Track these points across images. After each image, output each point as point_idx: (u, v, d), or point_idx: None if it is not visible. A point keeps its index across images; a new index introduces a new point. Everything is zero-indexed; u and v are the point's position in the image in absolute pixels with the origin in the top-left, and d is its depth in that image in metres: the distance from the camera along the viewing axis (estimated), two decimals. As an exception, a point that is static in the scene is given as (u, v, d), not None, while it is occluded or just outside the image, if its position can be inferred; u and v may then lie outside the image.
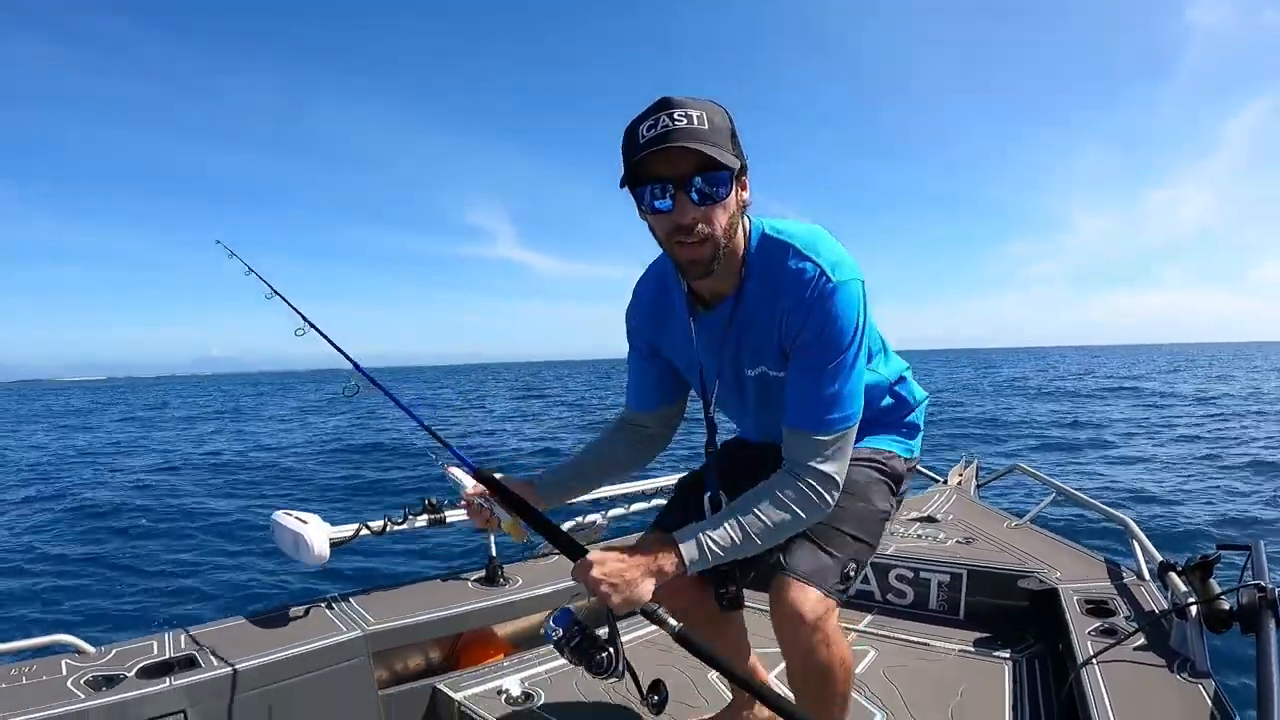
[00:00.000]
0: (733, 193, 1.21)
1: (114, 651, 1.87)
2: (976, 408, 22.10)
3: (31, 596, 6.42)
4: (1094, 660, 1.73)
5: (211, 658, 1.85)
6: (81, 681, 1.69)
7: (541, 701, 2.01)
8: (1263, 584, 1.61)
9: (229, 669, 1.80)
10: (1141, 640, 1.82)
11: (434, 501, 2.45)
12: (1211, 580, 1.80)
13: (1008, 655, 2.22)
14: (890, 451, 1.55)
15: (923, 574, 2.65)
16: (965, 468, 4.34)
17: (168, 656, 1.85)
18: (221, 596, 6.20)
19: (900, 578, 2.65)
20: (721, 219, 1.20)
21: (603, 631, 1.25)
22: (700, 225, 1.19)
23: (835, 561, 1.35)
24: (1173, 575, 1.98)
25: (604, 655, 1.22)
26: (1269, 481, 9.08)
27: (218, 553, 7.67)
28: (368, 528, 2.30)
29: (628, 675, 1.24)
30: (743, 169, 1.22)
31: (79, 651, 1.86)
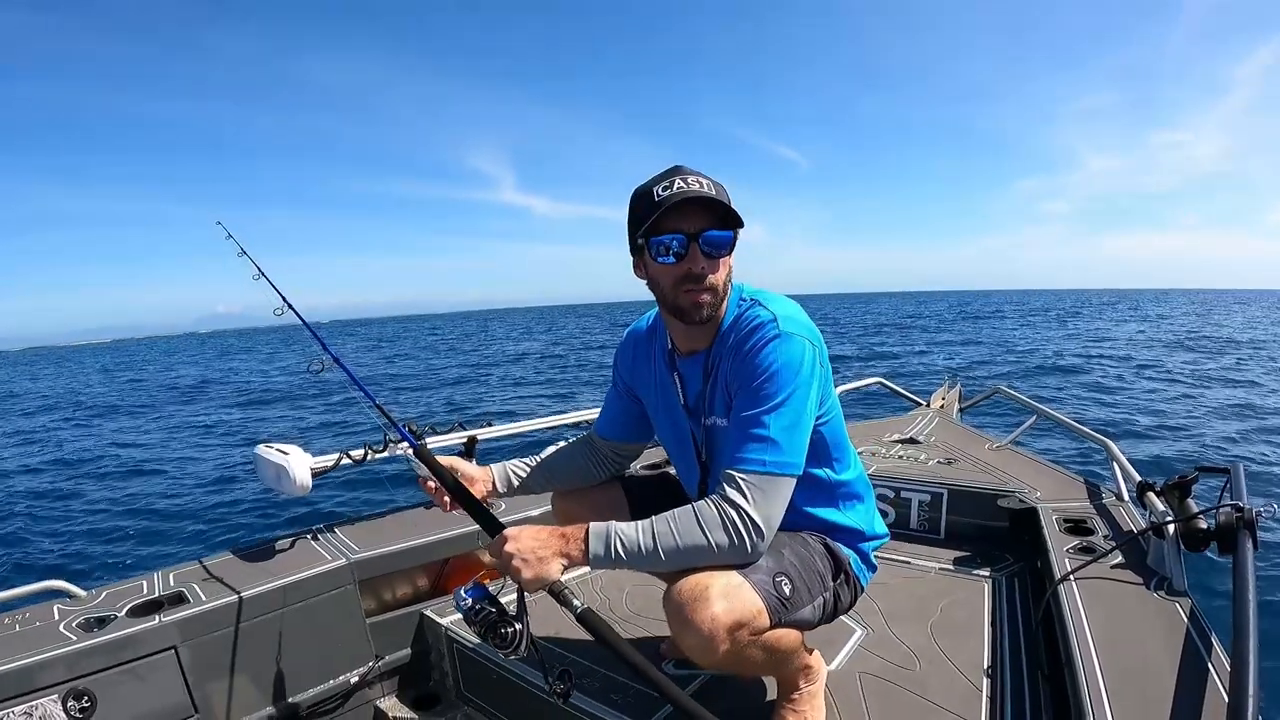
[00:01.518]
0: (730, 259, 1.35)
1: (104, 594, 1.87)
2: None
3: (21, 543, 6.52)
4: (1071, 577, 1.75)
5: (200, 593, 1.85)
6: (73, 624, 1.69)
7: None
8: (1240, 504, 1.62)
9: (217, 603, 1.81)
10: (1119, 558, 1.84)
11: (415, 427, 2.43)
12: (1190, 500, 1.82)
13: (987, 573, 2.27)
14: (838, 544, 1.50)
15: (904, 493, 2.68)
16: (948, 390, 4.37)
17: (157, 595, 1.85)
18: (210, 536, 6.30)
19: (881, 497, 2.68)
20: (722, 273, 1.34)
21: (512, 607, 1.27)
22: (708, 276, 1.31)
23: (767, 563, 1.31)
24: (1151, 495, 2.00)
25: (508, 630, 1.24)
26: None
27: (202, 494, 7.77)
28: (349, 456, 2.28)
29: (534, 655, 1.27)
30: (736, 238, 1.35)
31: (70, 596, 1.86)
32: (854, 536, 1.52)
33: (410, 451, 1.59)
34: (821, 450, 1.43)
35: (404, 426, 1.63)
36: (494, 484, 1.62)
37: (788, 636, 1.32)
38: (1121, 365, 17.05)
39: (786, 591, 1.30)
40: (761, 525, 1.21)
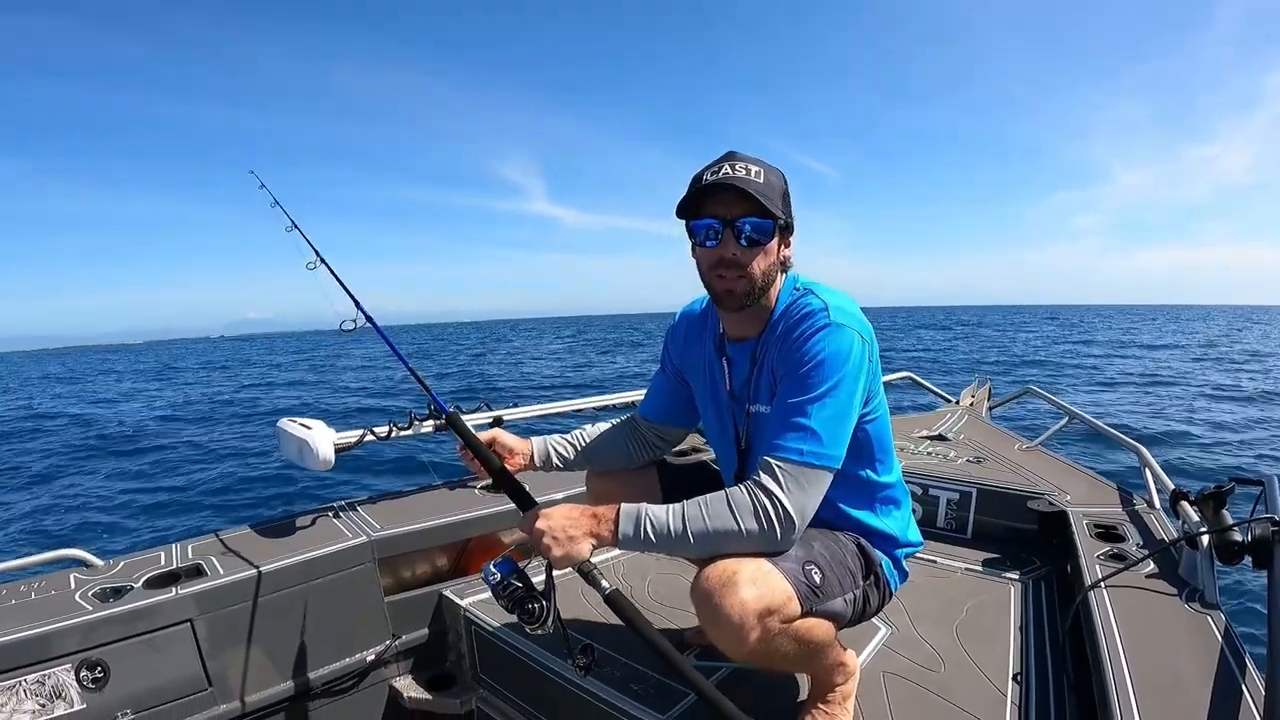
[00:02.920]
0: (775, 243, 1.33)
1: (121, 564, 1.88)
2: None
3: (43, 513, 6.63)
4: (1102, 584, 1.72)
5: (218, 566, 1.85)
6: (90, 594, 1.70)
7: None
8: (1276, 517, 1.58)
9: (234, 577, 1.81)
10: (1151, 567, 1.80)
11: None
12: (1224, 511, 1.78)
13: (1015, 576, 2.23)
14: (872, 546, 1.48)
15: (931, 490, 2.65)
16: (978, 389, 4.32)
17: (175, 567, 1.86)
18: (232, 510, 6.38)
19: (909, 493, 2.64)
20: (761, 263, 1.32)
21: (540, 583, 1.27)
22: (740, 261, 1.31)
23: (796, 551, 1.29)
24: (1184, 504, 1.95)
25: (535, 606, 1.25)
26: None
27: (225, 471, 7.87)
28: (373, 433, 2.28)
29: (559, 631, 1.27)
30: (788, 227, 1.36)
31: (87, 565, 1.87)
32: (888, 542, 1.49)
33: (444, 420, 1.60)
34: (865, 449, 1.41)
35: (440, 397, 1.64)
36: (533, 457, 1.61)
37: (819, 627, 1.30)
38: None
39: (816, 579, 1.28)
40: (794, 514, 1.19)
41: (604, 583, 1.27)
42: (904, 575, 1.55)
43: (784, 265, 1.39)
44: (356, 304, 1.77)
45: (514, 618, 1.28)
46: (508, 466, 1.55)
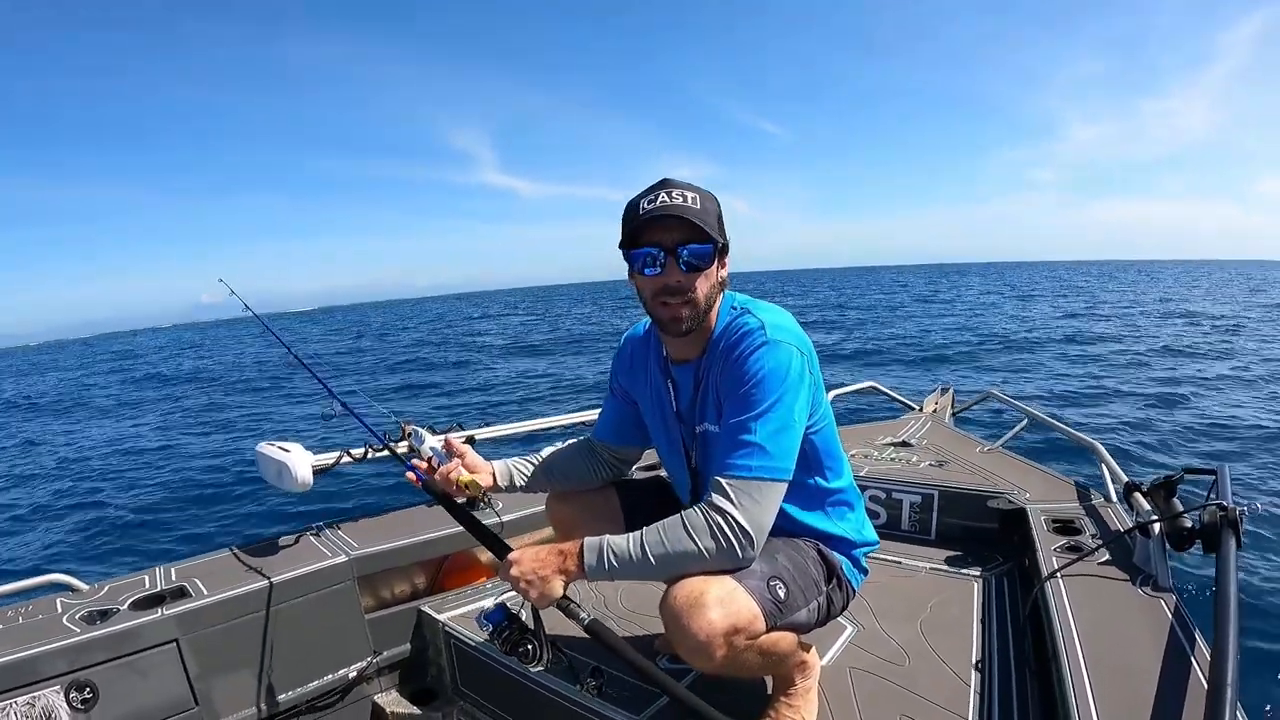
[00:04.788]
0: (714, 266, 1.37)
1: (107, 587, 1.89)
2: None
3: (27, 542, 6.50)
4: (1058, 574, 1.78)
5: (202, 587, 1.87)
6: (76, 617, 1.71)
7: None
8: (1224, 503, 1.65)
9: (218, 597, 1.83)
10: (1106, 556, 1.87)
11: (412, 427, 2.47)
12: (1175, 499, 1.85)
13: (977, 573, 2.30)
14: (831, 550, 1.54)
15: (895, 494, 2.71)
16: (941, 395, 4.41)
17: (160, 589, 1.87)
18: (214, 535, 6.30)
19: (873, 498, 2.71)
20: (703, 286, 1.36)
21: (530, 623, 1.36)
22: (684, 287, 1.34)
23: (761, 567, 1.33)
24: (1137, 495, 2.03)
25: (529, 646, 1.34)
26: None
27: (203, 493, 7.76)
28: (349, 454, 2.31)
29: (566, 660, 1.36)
30: (724, 249, 1.39)
31: (72, 589, 1.88)
32: (845, 544, 1.55)
33: (419, 483, 1.64)
34: (813, 459, 1.46)
35: (404, 431, 1.70)
36: (495, 478, 1.64)
37: (784, 640, 1.36)
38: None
39: (781, 595, 1.32)
40: (750, 530, 1.23)
41: (582, 614, 1.33)
42: (864, 572, 1.61)
43: (722, 285, 1.43)
44: (332, 394, 1.89)
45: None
46: (477, 482, 1.58)
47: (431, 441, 1.66)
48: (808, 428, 1.38)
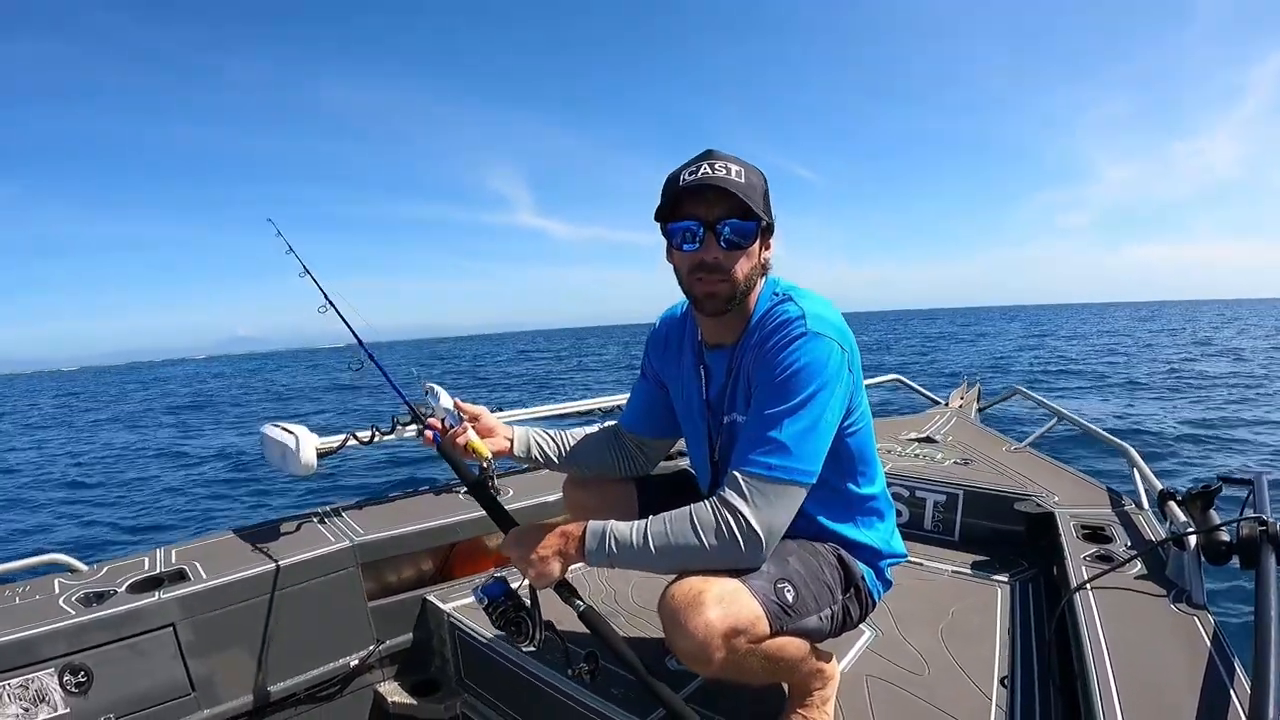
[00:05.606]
0: (757, 245, 1.29)
1: (105, 569, 1.87)
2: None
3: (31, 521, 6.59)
4: (1088, 585, 1.71)
5: (201, 571, 1.84)
6: (73, 599, 1.69)
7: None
8: (1264, 517, 1.57)
9: (218, 581, 1.80)
10: (1138, 568, 1.79)
11: (422, 411, 2.42)
12: (1212, 511, 1.76)
13: (1002, 578, 2.22)
14: (853, 559, 1.46)
15: (919, 493, 2.64)
16: (967, 390, 4.31)
17: (158, 571, 1.85)
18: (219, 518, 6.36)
19: (896, 496, 2.62)
20: (743, 265, 1.28)
21: (528, 601, 1.32)
22: (723, 265, 1.26)
23: (769, 568, 1.27)
24: (1172, 504, 1.94)
25: (523, 623, 1.31)
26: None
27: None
28: (355, 437, 2.27)
29: (558, 644, 1.32)
30: (770, 229, 1.31)
31: (71, 570, 1.86)
32: (871, 553, 1.47)
33: (442, 390, 1.58)
34: (845, 461, 1.38)
35: (423, 389, 1.63)
36: (513, 445, 1.58)
37: (791, 645, 1.28)
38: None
39: (789, 599, 1.25)
40: (760, 531, 1.16)
41: (578, 600, 1.31)
42: (888, 585, 1.54)
43: (764, 268, 1.35)
44: (362, 346, 1.78)
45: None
46: (490, 446, 1.52)
47: (445, 402, 1.59)
48: (842, 428, 1.31)
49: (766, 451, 1.19)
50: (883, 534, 1.50)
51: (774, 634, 1.22)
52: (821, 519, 1.41)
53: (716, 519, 1.17)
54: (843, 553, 1.43)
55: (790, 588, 1.27)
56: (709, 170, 1.24)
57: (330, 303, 1.81)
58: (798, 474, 1.19)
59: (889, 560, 1.51)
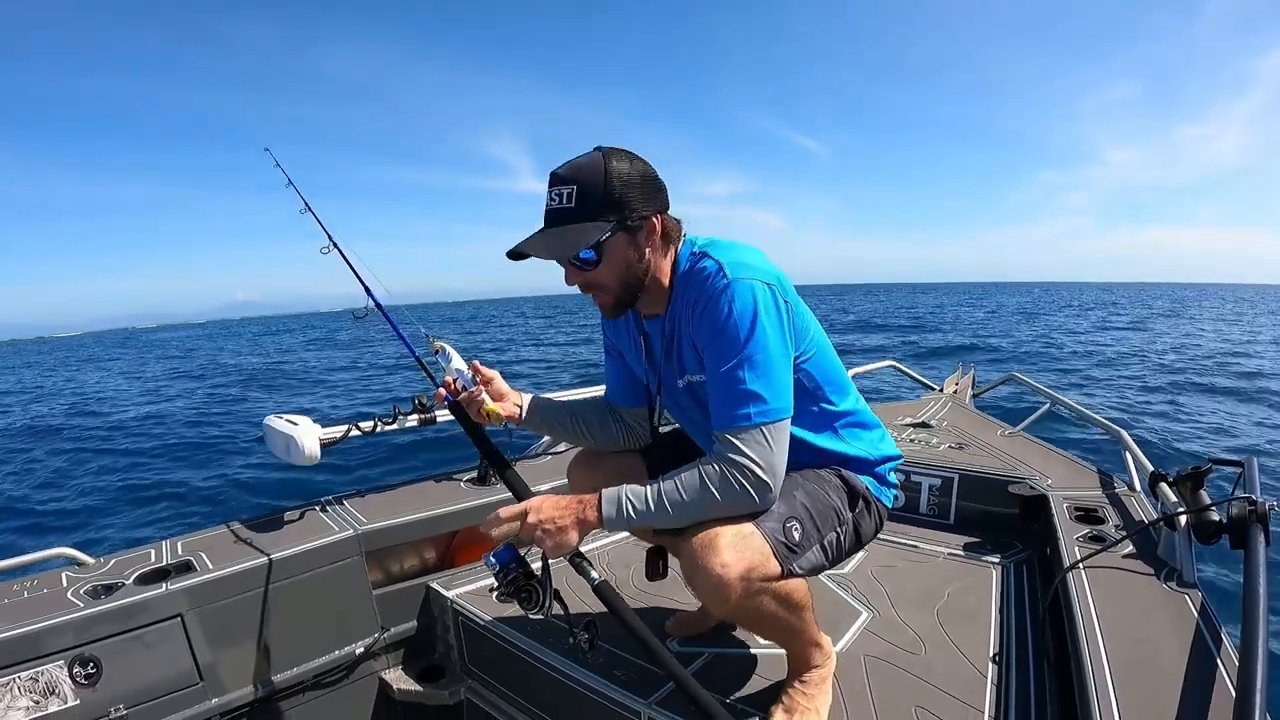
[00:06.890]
0: (622, 245, 1.29)
1: (112, 561, 1.89)
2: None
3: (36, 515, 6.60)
4: (1081, 565, 1.74)
5: (207, 561, 1.86)
6: (81, 591, 1.71)
7: None
8: (1253, 497, 1.60)
9: (224, 571, 1.82)
10: (1130, 548, 1.83)
11: (424, 401, 2.43)
12: (1202, 491, 1.80)
13: (996, 560, 2.26)
14: (853, 473, 1.49)
15: (914, 477, 2.67)
16: (962, 376, 4.35)
17: (165, 563, 1.86)
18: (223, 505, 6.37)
19: None
20: (610, 272, 1.31)
21: (538, 568, 1.32)
22: (592, 284, 1.33)
23: (779, 508, 1.32)
24: (1163, 485, 1.97)
25: (534, 591, 1.30)
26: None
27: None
28: (358, 428, 2.29)
29: (564, 613, 1.32)
30: (633, 225, 1.28)
31: (78, 563, 1.87)
32: (864, 464, 1.51)
33: (454, 351, 1.58)
34: (811, 386, 1.42)
35: (434, 347, 1.60)
36: (523, 412, 1.59)
37: (799, 589, 1.35)
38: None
39: (795, 537, 1.31)
40: (765, 476, 1.22)
41: (593, 574, 1.32)
42: (893, 486, 1.58)
43: (667, 238, 1.35)
44: (367, 291, 1.75)
45: (503, 608, 1.31)
46: (499, 412, 1.54)
47: (458, 363, 1.57)
48: (796, 357, 1.34)
49: (739, 404, 1.23)
50: (870, 441, 1.53)
51: (784, 573, 1.28)
52: (810, 441, 1.45)
53: (724, 473, 1.22)
54: (842, 471, 1.48)
55: (797, 524, 1.33)
56: (548, 202, 1.27)
57: (333, 241, 1.77)
58: (776, 413, 1.24)
59: (885, 464, 1.55)
